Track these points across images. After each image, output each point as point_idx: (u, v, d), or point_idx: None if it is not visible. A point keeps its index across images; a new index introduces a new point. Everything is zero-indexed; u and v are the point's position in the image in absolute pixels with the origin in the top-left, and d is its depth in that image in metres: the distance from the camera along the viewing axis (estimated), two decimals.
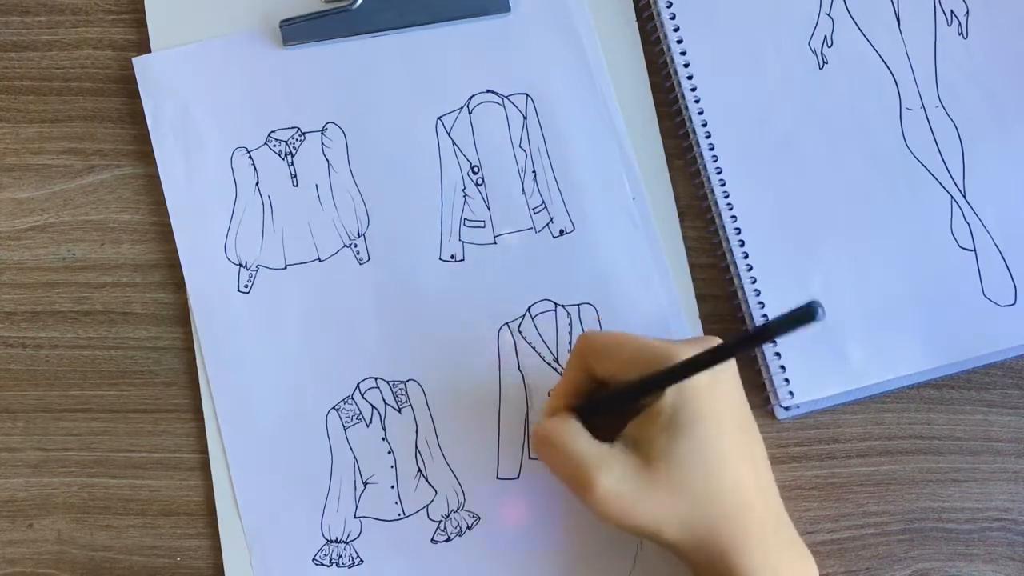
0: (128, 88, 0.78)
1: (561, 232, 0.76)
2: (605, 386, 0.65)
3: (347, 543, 0.74)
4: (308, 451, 0.74)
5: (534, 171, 0.76)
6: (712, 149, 0.75)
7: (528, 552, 0.74)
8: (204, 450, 0.75)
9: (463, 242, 0.76)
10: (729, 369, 0.63)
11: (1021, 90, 0.76)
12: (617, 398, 0.63)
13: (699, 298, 0.76)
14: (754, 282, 0.74)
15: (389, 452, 0.74)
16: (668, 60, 0.76)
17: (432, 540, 0.74)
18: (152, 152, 0.77)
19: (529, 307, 0.75)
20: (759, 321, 0.73)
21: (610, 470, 0.61)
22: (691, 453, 0.60)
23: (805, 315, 0.49)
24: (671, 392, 0.61)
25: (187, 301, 0.76)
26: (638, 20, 0.78)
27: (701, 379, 0.59)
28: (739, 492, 0.62)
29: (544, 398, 0.74)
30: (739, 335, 0.56)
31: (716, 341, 0.63)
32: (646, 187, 0.76)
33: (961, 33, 0.77)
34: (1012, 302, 0.74)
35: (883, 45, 0.77)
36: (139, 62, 0.77)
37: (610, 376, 0.63)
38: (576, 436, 0.62)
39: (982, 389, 0.75)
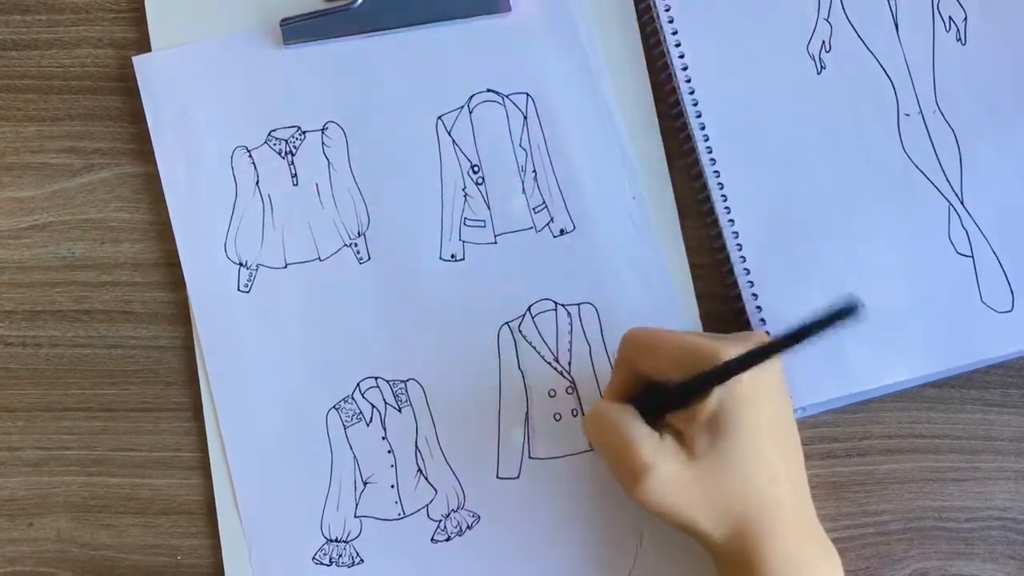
0: (128, 87, 0.78)
1: (561, 231, 0.76)
2: (651, 381, 0.65)
3: (347, 542, 0.74)
4: (308, 450, 0.74)
5: (534, 170, 0.76)
6: (710, 152, 0.75)
7: (528, 552, 0.74)
8: (204, 449, 0.75)
9: (463, 241, 0.76)
10: (773, 366, 0.64)
11: (1019, 96, 0.76)
12: (668, 401, 0.64)
13: (699, 297, 0.76)
14: (751, 286, 0.74)
15: (389, 451, 0.74)
16: (668, 61, 0.77)
17: (432, 539, 0.74)
18: (152, 151, 0.77)
19: (529, 306, 0.75)
20: (757, 325, 0.73)
21: (665, 462, 0.62)
22: (732, 452, 0.62)
23: (846, 311, 0.50)
24: (716, 391, 0.62)
25: (187, 300, 0.76)
26: (638, 20, 0.78)
27: (745, 377, 0.61)
28: (773, 488, 0.63)
29: (544, 397, 0.74)
30: (780, 334, 0.57)
31: (762, 336, 0.63)
32: (646, 187, 0.76)
33: (959, 39, 0.77)
34: (1009, 308, 0.74)
35: (881, 50, 0.77)
36: (139, 61, 0.77)
37: (656, 373, 0.64)
38: (634, 421, 0.63)
39: (982, 388, 0.75)
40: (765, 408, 0.63)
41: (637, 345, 0.65)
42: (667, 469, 0.62)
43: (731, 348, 0.61)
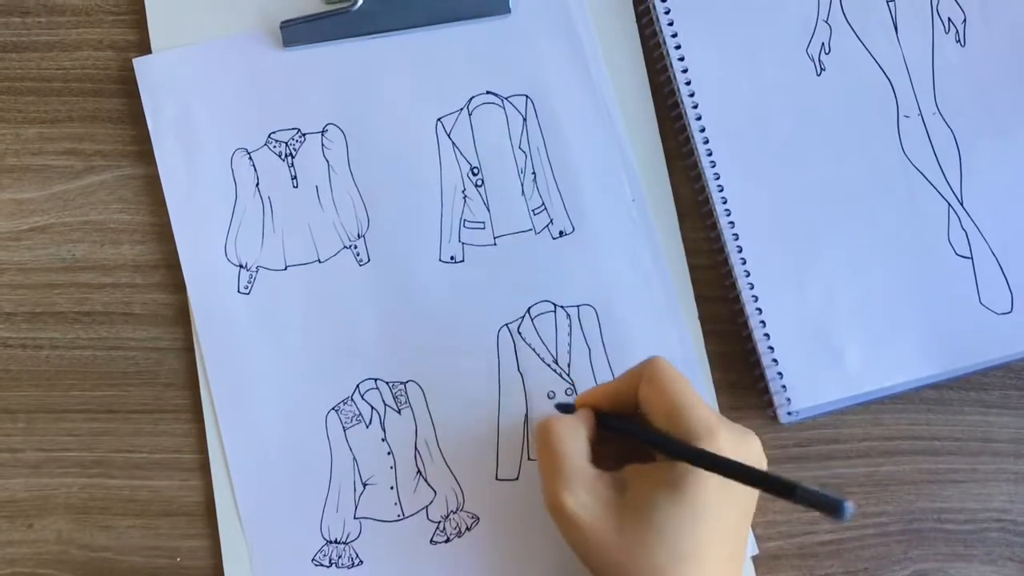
0: (128, 89, 0.78)
1: (561, 233, 0.76)
2: (637, 411, 0.64)
3: (346, 544, 0.74)
4: (308, 452, 0.74)
5: (534, 172, 0.76)
6: (710, 154, 0.75)
7: (527, 553, 0.74)
8: (204, 451, 0.75)
9: (463, 243, 0.76)
10: (750, 494, 0.62)
11: (1018, 98, 0.76)
12: (639, 434, 0.63)
13: (698, 299, 0.76)
14: (751, 287, 0.74)
15: (389, 453, 0.74)
16: (668, 63, 0.77)
17: (431, 541, 0.74)
18: (152, 153, 0.77)
19: (528, 308, 0.75)
20: (756, 327, 0.74)
21: (578, 495, 0.61)
22: (669, 536, 0.59)
23: (832, 508, 0.51)
24: (692, 472, 0.59)
25: (187, 302, 0.76)
26: (638, 22, 0.78)
27: (736, 487, 0.58)
28: None
29: (543, 399, 0.74)
30: (769, 475, 0.55)
31: (754, 439, 0.62)
32: (646, 188, 0.76)
33: (959, 41, 0.77)
34: (1008, 310, 0.74)
35: (881, 52, 0.77)
36: (140, 63, 0.77)
37: (647, 406, 0.63)
38: (572, 446, 0.63)
39: (981, 390, 0.75)
40: (727, 519, 0.60)
41: (655, 373, 0.63)
42: (581, 504, 0.61)
43: (723, 436, 0.59)
